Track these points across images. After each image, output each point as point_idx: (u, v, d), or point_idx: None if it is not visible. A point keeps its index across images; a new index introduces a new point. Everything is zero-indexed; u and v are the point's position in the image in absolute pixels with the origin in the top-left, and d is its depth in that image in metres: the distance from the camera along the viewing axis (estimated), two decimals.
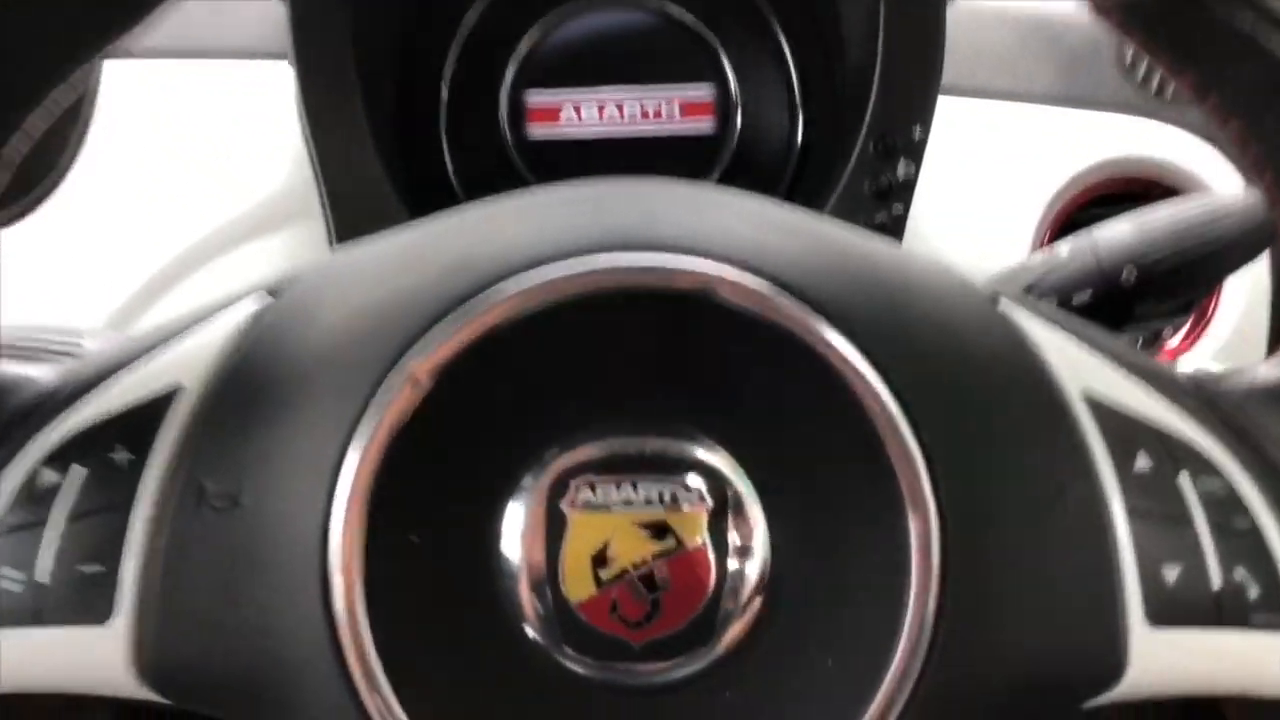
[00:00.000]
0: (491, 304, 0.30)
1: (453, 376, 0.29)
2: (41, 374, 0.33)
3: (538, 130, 0.71)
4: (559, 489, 0.30)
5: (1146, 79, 0.69)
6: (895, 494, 0.29)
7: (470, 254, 0.31)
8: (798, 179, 0.71)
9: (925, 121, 0.59)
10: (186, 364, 0.31)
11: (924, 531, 0.29)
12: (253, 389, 0.31)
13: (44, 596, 0.29)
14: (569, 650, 0.30)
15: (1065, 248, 0.48)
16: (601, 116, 0.70)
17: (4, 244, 0.63)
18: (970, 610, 0.30)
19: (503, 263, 0.30)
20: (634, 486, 0.30)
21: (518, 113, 0.70)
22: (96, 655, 0.29)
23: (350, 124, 0.59)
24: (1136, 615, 0.30)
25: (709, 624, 0.30)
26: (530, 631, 0.30)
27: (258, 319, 0.32)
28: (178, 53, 0.66)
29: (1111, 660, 0.30)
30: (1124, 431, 0.31)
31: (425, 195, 0.67)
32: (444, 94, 0.70)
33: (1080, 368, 0.32)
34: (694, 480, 0.30)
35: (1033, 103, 0.69)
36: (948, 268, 0.34)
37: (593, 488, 0.30)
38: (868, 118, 0.60)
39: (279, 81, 0.66)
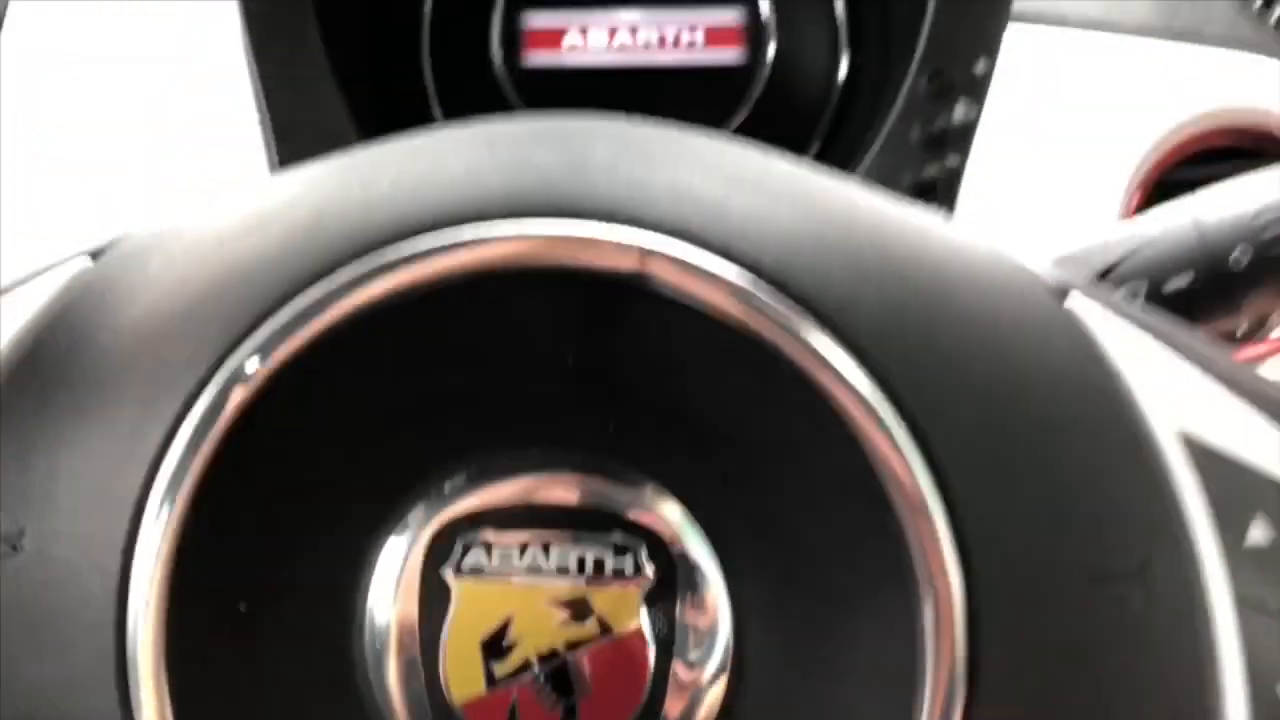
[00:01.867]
0: (344, 288, 0.22)
1: (295, 384, 0.22)
2: None
3: (536, 57, 0.62)
4: (440, 548, 0.23)
5: (1267, 7, 0.58)
6: (907, 568, 0.22)
7: (328, 215, 0.23)
8: (837, 123, 0.61)
9: (990, 52, 0.49)
10: None
11: (945, 621, 0.22)
12: (44, 391, 0.24)
13: None
14: None
15: (1158, 218, 0.39)
16: (611, 42, 0.61)
17: None
18: None
19: (365, 230, 0.22)
20: (544, 549, 0.23)
21: (513, 36, 0.61)
22: None
23: (302, 41, 0.50)
24: None
25: None
26: None
27: (65, 294, 0.25)
28: None
29: None
30: (1234, 488, 0.24)
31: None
32: (427, 9, 0.61)
33: (1177, 396, 0.25)
34: (627, 539, 0.23)
35: (1126, 34, 0.58)
36: (997, 249, 0.26)
37: (487, 548, 0.23)
38: (919, 48, 0.50)
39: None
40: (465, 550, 0.23)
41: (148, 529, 0.22)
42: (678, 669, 0.23)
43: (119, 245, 0.26)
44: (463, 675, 0.23)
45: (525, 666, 0.23)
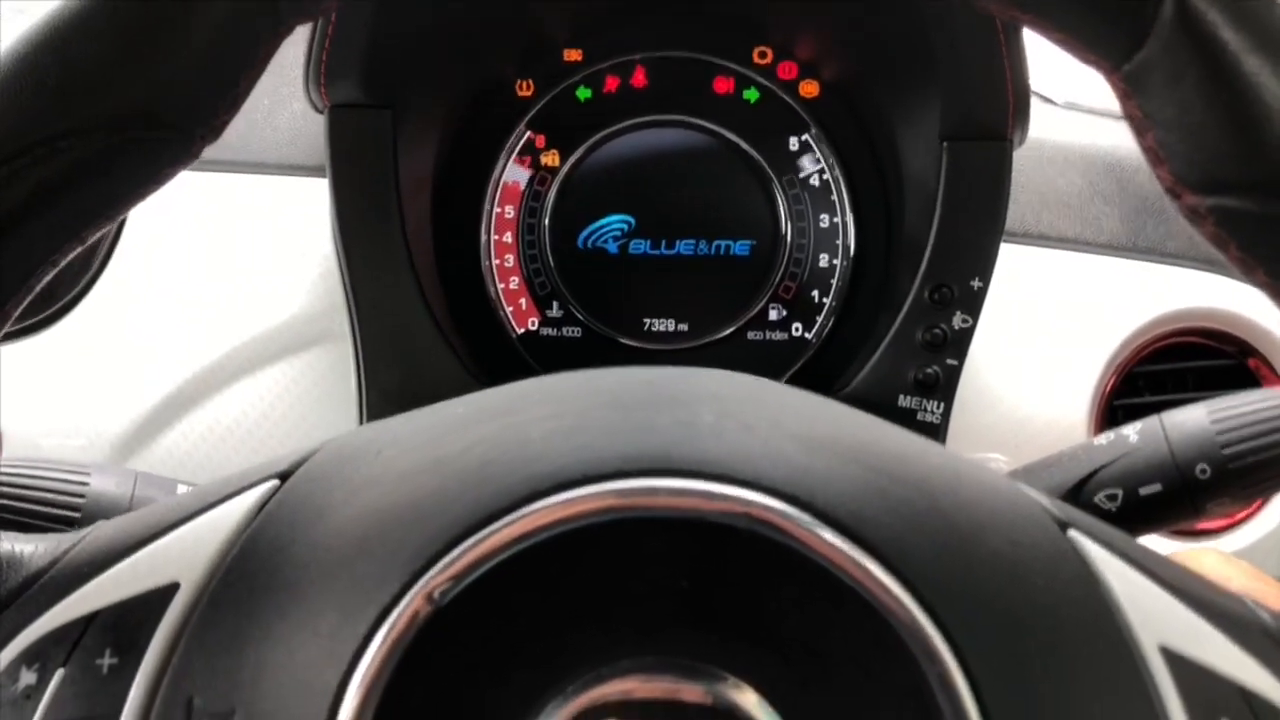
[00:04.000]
0: (513, 529, 0.28)
1: (468, 603, 0.27)
2: (33, 552, 0.31)
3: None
4: None
5: None
6: None
7: (494, 469, 0.29)
8: (844, 316, 0.68)
9: (984, 274, 0.57)
10: (186, 559, 0.30)
11: None
12: (253, 593, 0.29)
13: None
14: None
15: (1135, 432, 0.45)
16: None
17: (28, 349, 0.61)
18: None
19: (528, 481, 0.28)
20: None
21: (559, 230, 0.69)
22: None
23: (386, 245, 0.58)
24: None
25: None
26: None
27: (264, 511, 0.30)
28: (210, 164, 0.65)
29: None
30: (1204, 690, 0.29)
31: (462, 319, 0.65)
32: (486, 208, 0.68)
33: (1157, 615, 0.30)
34: None
35: (1098, 252, 0.66)
36: (1017, 491, 0.31)
37: None
38: (924, 266, 0.57)
39: (311, 198, 0.65)
40: None
41: (344, 716, 0.26)
42: None
43: (308, 469, 0.31)
44: None
45: None
